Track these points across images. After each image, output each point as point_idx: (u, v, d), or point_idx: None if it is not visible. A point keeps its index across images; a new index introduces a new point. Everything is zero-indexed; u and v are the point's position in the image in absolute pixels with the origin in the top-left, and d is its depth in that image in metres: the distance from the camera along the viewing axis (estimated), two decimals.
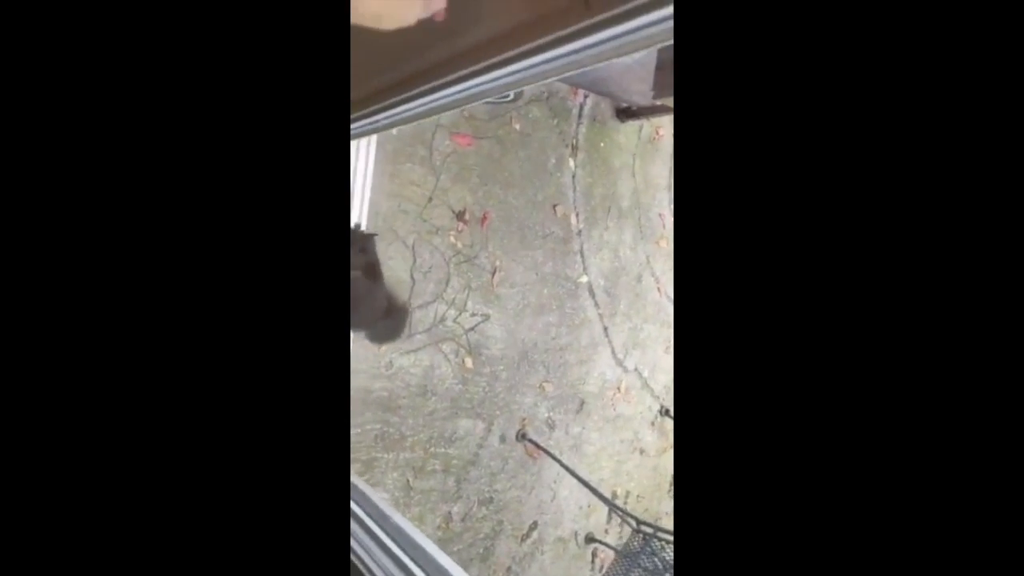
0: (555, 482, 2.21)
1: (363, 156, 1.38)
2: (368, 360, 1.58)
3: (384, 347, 1.59)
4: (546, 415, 2.23)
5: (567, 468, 2.00)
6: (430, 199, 1.72)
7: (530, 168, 2.00)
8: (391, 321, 1.22)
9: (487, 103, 1.82)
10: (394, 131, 1.57)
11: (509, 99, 1.83)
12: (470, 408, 1.97)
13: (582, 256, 2.22)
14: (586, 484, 1.98)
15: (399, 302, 1.24)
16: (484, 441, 2.00)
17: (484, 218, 1.87)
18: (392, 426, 1.73)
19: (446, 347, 1.84)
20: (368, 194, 1.41)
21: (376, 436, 1.69)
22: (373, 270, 1.15)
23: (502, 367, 2.03)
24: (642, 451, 2.65)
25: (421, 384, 1.81)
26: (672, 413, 2.72)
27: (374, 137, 1.41)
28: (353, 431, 1.63)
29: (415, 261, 1.68)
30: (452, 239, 1.79)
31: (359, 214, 1.41)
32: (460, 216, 1.80)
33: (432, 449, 1.84)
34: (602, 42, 0.42)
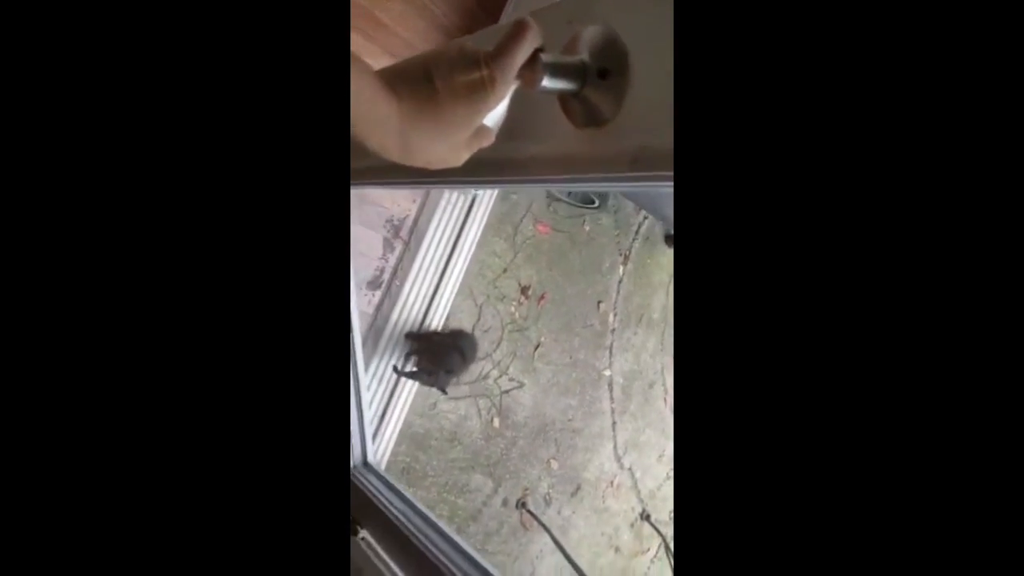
0: (537, 558, 2.28)
1: (475, 226, 1.62)
2: (419, 397, 1.73)
3: (431, 390, 1.75)
4: (546, 490, 2.35)
5: (559, 546, 2.09)
6: (504, 270, 1.96)
7: (588, 265, 2.26)
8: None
9: (569, 203, 2.10)
10: (489, 210, 1.81)
11: (595, 205, 2.12)
12: (486, 465, 2.10)
13: (610, 352, 2.44)
14: (574, 566, 2.07)
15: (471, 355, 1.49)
16: (489, 500, 2.11)
17: (542, 297, 2.10)
18: (419, 463, 1.85)
19: (482, 403, 2.00)
20: (471, 253, 1.64)
21: (403, 468, 1.80)
22: (464, 357, 1.40)
23: (522, 434, 2.18)
24: (617, 549, 2.73)
25: (452, 431, 1.95)
26: (652, 519, 2.83)
27: (485, 215, 1.65)
28: (387, 458, 1.75)
29: (479, 319, 1.89)
30: (512, 309, 2.00)
31: (462, 267, 1.63)
32: (524, 291, 2.03)
33: (445, 495, 1.95)
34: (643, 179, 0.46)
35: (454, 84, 0.35)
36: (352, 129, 0.33)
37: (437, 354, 1.46)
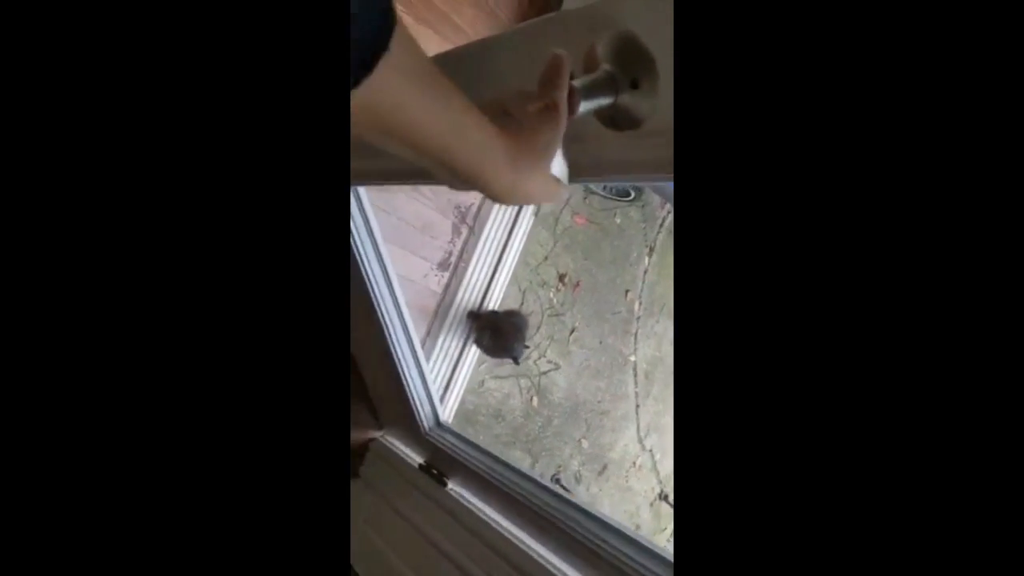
0: None
1: (527, 215, 1.75)
2: (472, 377, 1.86)
3: (485, 365, 1.88)
4: (577, 468, 2.48)
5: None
6: (545, 258, 2.09)
7: (618, 256, 2.40)
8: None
9: (605, 196, 2.24)
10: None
11: (630, 197, 2.25)
12: (525, 442, 2.22)
13: (635, 338, 2.58)
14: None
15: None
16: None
17: (577, 284, 2.23)
18: (469, 437, 1.97)
19: (523, 382, 2.13)
20: (523, 240, 1.77)
21: None
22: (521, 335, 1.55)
23: (557, 414, 2.31)
24: (638, 527, 2.87)
25: (497, 408, 2.08)
26: (671, 500, 2.97)
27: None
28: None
29: (522, 303, 2.01)
30: (551, 295, 2.13)
31: (515, 253, 1.76)
32: (561, 278, 2.16)
33: None
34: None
35: (529, 114, 0.37)
36: (464, 162, 0.33)
37: (501, 330, 1.60)
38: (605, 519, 1.03)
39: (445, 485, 1.26)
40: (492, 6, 1.51)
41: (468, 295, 1.63)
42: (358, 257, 1.11)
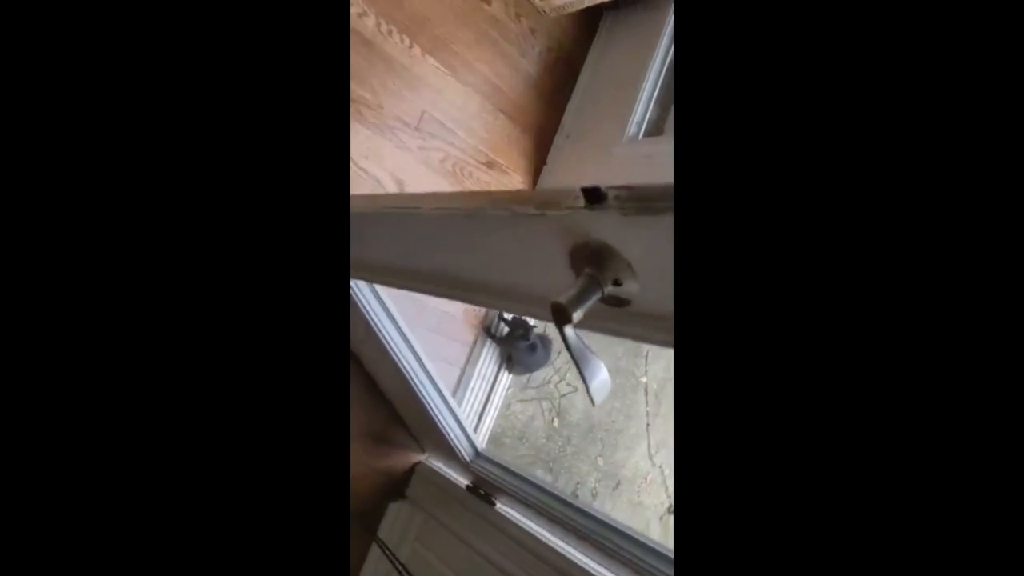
0: None
1: None
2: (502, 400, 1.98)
3: (512, 389, 2.00)
4: (593, 485, 2.60)
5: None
6: None
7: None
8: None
9: None
10: None
11: None
12: (546, 461, 2.34)
13: (646, 360, 2.71)
14: None
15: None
16: None
17: None
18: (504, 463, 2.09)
19: (545, 404, 2.25)
20: None
21: None
22: (543, 341, 1.67)
23: (575, 434, 2.43)
24: None
25: (521, 430, 2.19)
26: None
27: None
28: None
29: (544, 329, 2.14)
30: None
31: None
32: None
33: None
34: None
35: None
36: None
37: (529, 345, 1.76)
38: (627, 530, 1.18)
39: (494, 504, 1.38)
40: (516, 57, 1.65)
41: (502, 325, 1.75)
42: (376, 323, 1.21)
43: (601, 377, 0.47)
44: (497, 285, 0.69)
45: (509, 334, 1.74)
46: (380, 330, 1.20)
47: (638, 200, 0.37)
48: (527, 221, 0.49)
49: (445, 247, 0.69)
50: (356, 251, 0.95)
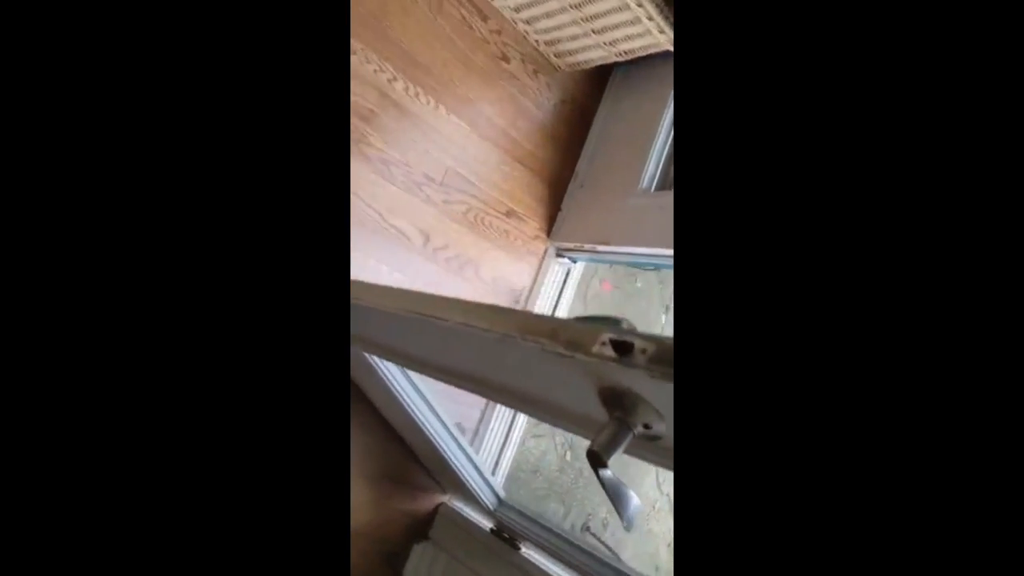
0: None
1: (569, 290, 1.95)
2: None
3: (526, 426, 2.05)
4: (604, 515, 2.64)
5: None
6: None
7: (638, 315, 2.61)
8: None
9: (627, 264, 2.46)
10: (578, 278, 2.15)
11: (652, 268, 2.46)
12: (559, 493, 2.39)
13: None
14: None
15: None
16: (561, 524, 2.38)
17: None
18: (510, 493, 2.13)
19: (558, 439, 2.30)
20: (563, 313, 1.96)
21: None
22: None
23: (587, 466, 2.46)
24: (657, 568, 3.02)
25: (535, 464, 2.24)
26: None
27: (577, 277, 1.99)
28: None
29: None
30: None
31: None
32: None
33: None
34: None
35: None
36: None
37: None
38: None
39: (518, 549, 1.42)
40: (533, 110, 1.73)
41: None
42: (395, 386, 1.25)
43: (634, 504, 0.49)
44: (528, 395, 0.74)
45: None
46: (399, 392, 1.24)
47: (665, 363, 0.38)
48: (556, 358, 0.50)
49: (474, 356, 0.73)
50: (378, 336, 1.00)
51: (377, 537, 1.52)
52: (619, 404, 0.46)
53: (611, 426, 0.46)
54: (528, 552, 1.41)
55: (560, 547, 1.37)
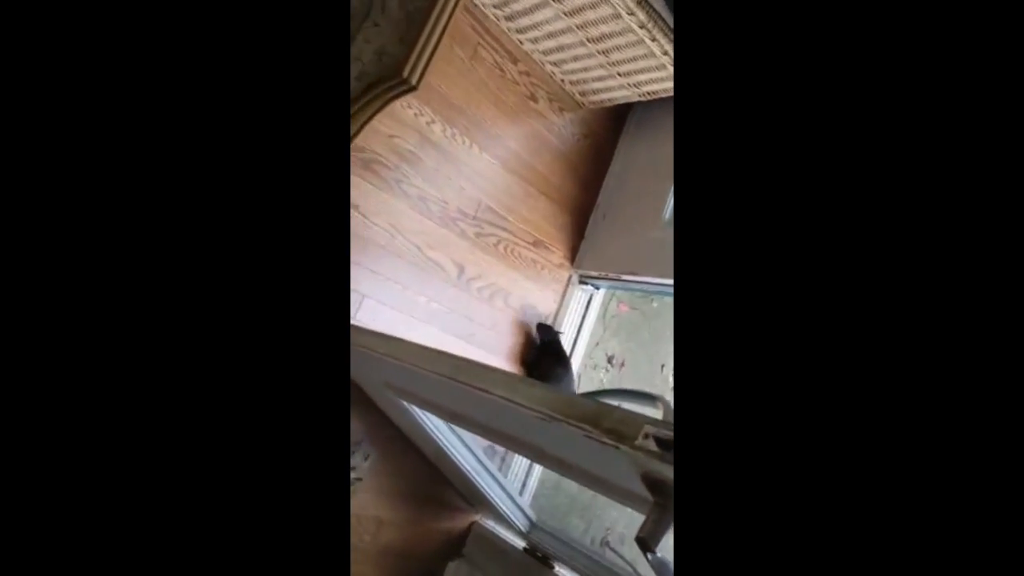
0: None
1: (592, 313, 2.03)
2: None
3: None
4: (621, 530, 2.70)
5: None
6: (597, 344, 2.38)
7: (655, 336, 2.69)
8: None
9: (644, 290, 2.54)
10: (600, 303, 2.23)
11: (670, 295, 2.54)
12: (580, 509, 2.45)
13: None
14: None
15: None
16: (581, 539, 2.44)
17: (623, 364, 2.50)
18: (535, 510, 2.20)
19: None
20: (585, 337, 2.05)
21: None
22: (562, 360, 1.76)
23: None
24: None
25: (557, 481, 2.31)
26: None
27: (599, 303, 2.07)
28: None
29: (578, 384, 2.28)
30: (602, 375, 2.40)
31: (584, 346, 2.03)
32: (610, 360, 2.43)
33: None
34: None
35: None
36: None
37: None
38: None
39: (552, 568, 1.49)
40: (557, 145, 1.81)
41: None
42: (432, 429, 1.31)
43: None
44: (570, 464, 0.79)
45: (542, 347, 1.78)
46: (432, 430, 1.30)
47: None
48: (600, 445, 0.53)
49: (514, 422, 0.77)
50: (415, 389, 1.07)
51: (414, 555, 1.59)
52: (661, 491, 0.48)
53: (655, 512, 0.48)
54: (561, 571, 1.48)
55: (593, 569, 1.44)
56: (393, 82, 0.78)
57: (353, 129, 0.88)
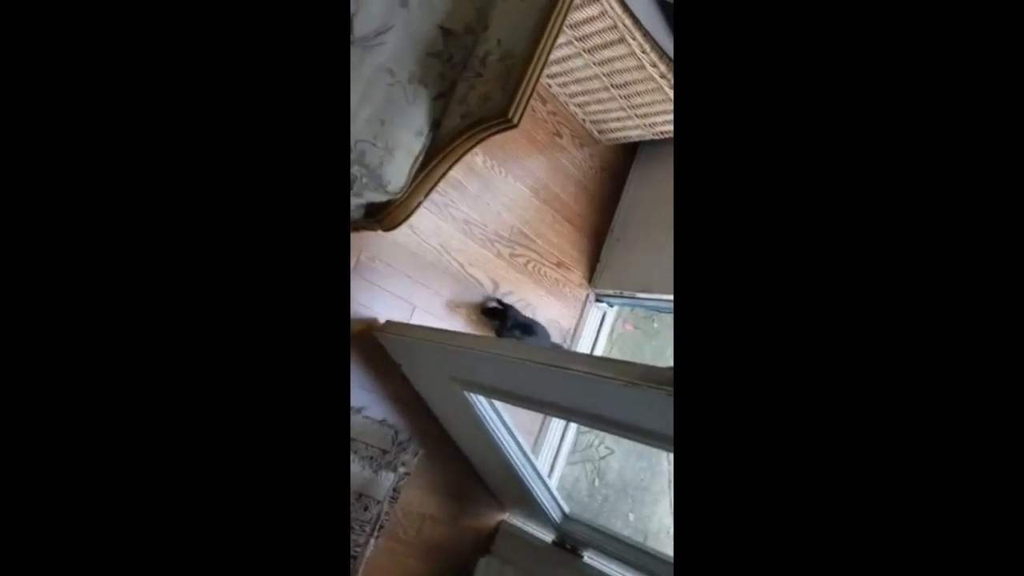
0: None
1: (606, 326, 2.21)
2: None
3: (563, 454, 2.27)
4: (627, 535, 2.82)
5: None
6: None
7: (656, 353, 2.88)
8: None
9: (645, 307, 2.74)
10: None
11: (670, 312, 2.74)
12: (590, 515, 2.57)
13: None
14: None
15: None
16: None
17: None
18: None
19: (588, 466, 2.51)
20: (599, 352, 2.22)
21: None
22: (529, 329, 1.78)
23: (612, 491, 2.68)
24: None
25: (568, 490, 2.44)
26: None
27: (611, 320, 2.26)
28: None
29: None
30: None
31: None
32: None
33: None
34: None
35: None
36: None
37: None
38: None
39: (581, 557, 1.63)
40: (579, 177, 2.02)
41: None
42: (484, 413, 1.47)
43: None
44: (609, 416, 1.03)
45: (506, 327, 1.75)
46: (487, 421, 1.45)
47: None
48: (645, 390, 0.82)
49: (574, 390, 1.00)
50: (479, 377, 1.26)
51: (452, 552, 1.71)
52: None
53: None
54: (591, 558, 1.62)
55: (624, 551, 1.58)
56: (496, 121, 0.96)
57: (454, 159, 1.06)
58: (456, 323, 1.68)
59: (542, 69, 0.97)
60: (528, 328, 1.77)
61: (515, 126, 0.95)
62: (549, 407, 1.23)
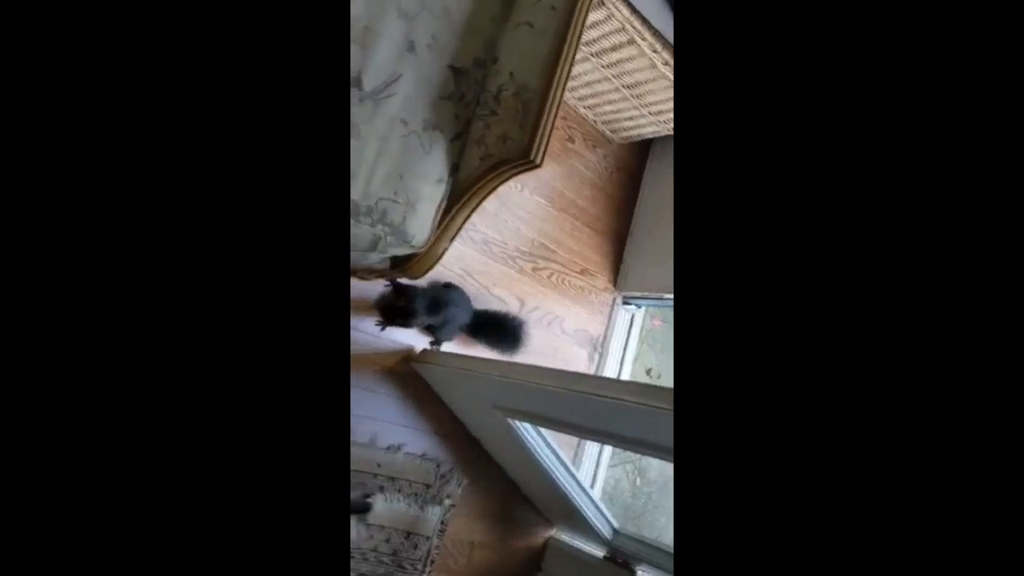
0: None
1: (635, 332, 2.17)
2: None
3: (604, 457, 2.24)
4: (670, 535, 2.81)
5: None
6: (636, 358, 2.51)
7: None
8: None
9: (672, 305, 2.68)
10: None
11: None
12: (633, 517, 2.56)
13: None
14: None
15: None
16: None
17: (659, 376, 2.63)
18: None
19: (628, 467, 2.49)
20: (631, 355, 2.18)
21: None
22: (436, 305, 1.33)
23: (654, 489, 2.66)
24: None
25: (611, 493, 2.43)
26: None
27: (640, 322, 2.22)
28: None
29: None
30: None
31: (628, 363, 2.16)
32: (648, 372, 2.56)
33: None
34: None
35: None
36: None
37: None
38: None
39: (634, 572, 1.61)
40: (594, 179, 1.96)
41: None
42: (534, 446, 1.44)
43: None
44: (632, 437, 1.03)
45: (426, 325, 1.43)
46: (533, 446, 1.43)
47: None
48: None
49: (619, 420, 0.99)
50: (523, 406, 1.23)
51: (501, 574, 1.70)
52: None
53: None
54: (645, 572, 1.60)
55: (661, 558, 1.55)
56: (518, 163, 0.92)
57: (476, 201, 1.02)
58: (485, 349, 1.65)
59: (559, 103, 0.92)
60: (435, 305, 1.33)
61: (538, 166, 0.90)
62: (600, 435, 1.20)
